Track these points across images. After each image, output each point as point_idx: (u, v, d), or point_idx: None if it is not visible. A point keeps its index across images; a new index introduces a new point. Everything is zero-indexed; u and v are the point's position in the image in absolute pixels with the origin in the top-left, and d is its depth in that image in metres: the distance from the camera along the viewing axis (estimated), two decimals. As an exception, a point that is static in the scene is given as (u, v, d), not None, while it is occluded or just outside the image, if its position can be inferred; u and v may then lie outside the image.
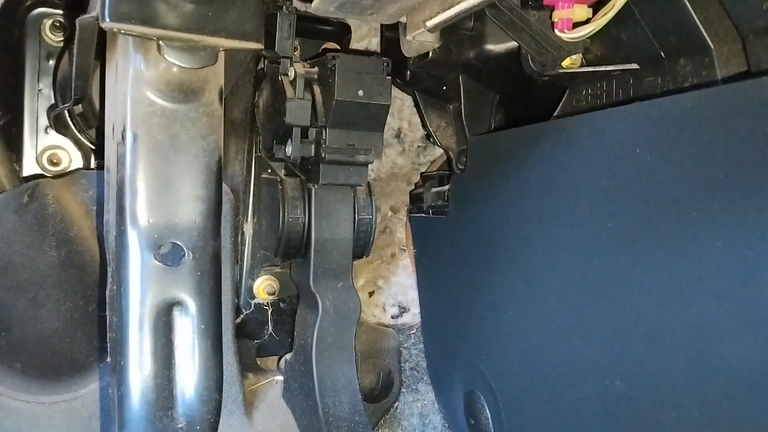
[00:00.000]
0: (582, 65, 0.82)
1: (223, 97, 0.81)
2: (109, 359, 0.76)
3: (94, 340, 1.06)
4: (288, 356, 1.17)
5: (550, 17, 0.72)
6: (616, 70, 0.79)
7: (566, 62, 0.80)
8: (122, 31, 0.65)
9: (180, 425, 0.72)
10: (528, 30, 0.75)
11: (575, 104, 0.87)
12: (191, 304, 0.74)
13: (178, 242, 0.75)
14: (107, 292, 0.79)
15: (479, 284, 1.03)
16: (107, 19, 0.64)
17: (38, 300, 1.00)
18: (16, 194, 0.96)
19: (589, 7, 0.69)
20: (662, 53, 0.75)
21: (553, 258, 0.85)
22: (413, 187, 1.42)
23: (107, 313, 0.78)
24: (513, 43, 0.89)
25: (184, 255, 0.75)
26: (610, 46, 0.79)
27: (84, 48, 0.83)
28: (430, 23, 0.70)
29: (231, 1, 0.69)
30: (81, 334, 1.05)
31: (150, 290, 0.73)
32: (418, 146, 1.43)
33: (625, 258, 0.73)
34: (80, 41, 0.81)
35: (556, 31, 0.71)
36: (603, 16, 0.66)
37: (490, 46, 0.91)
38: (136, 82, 0.73)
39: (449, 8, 0.67)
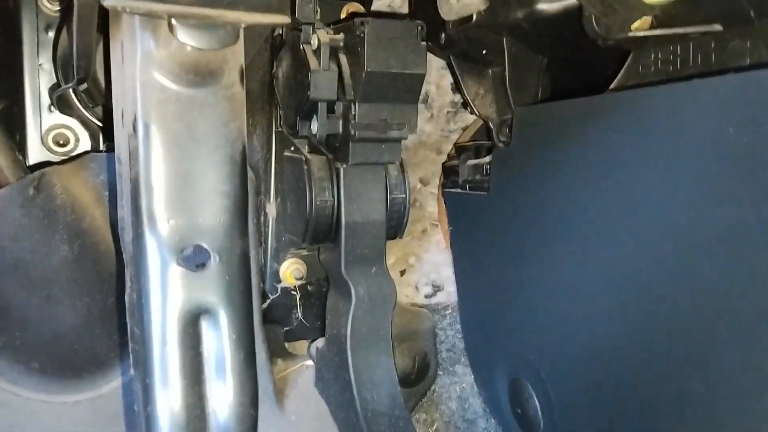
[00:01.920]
0: (652, 26, 0.71)
1: (244, 76, 0.72)
2: (132, 373, 0.69)
3: (114, 335, 1.00)
4: (319, 344, 1.10)
5: (627, -26, 0.61)
6: (694, 33, 0.69)
7: (635, 24, 0.70)
8: (127, 10, 0.56)
9: (214, 448, 0.66)
10: (595, -12, 0.65)
11: (642, 71, 0.76)
12: (220, 313, 0.67)
13: (202, 244, 0.67)
14: (126, 297, 0.72)
15: (526, 268, 0.95)
16: None
17: (53, 297, 0.94)
18: (20, 187, 0.88)
19: (677, -39, 0.58)
20: (752, 12, 0.64)
21: (614, 247, 0.77)
22: (443, 156, 1.32)
23: (127, 321, 0.71)
24: (570, 1, 0.78)
25: (210, 258, 0.67)
26: (688, 3, 0.68)
27: (85, 25, 0.73)
28: (483, -15, 0.60)
29: (251, -33, 0.59)
30: (100, 330, 0.98)
31: (174, 299, 0.65)
32: (448, 112, 1.33)
33: (709, 255, 0.65)
34: (80, 19, 0.71)
35: (636, -9, 0.60)
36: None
37: (543, 6, 0.80)
38: (146, 64, 0.64)
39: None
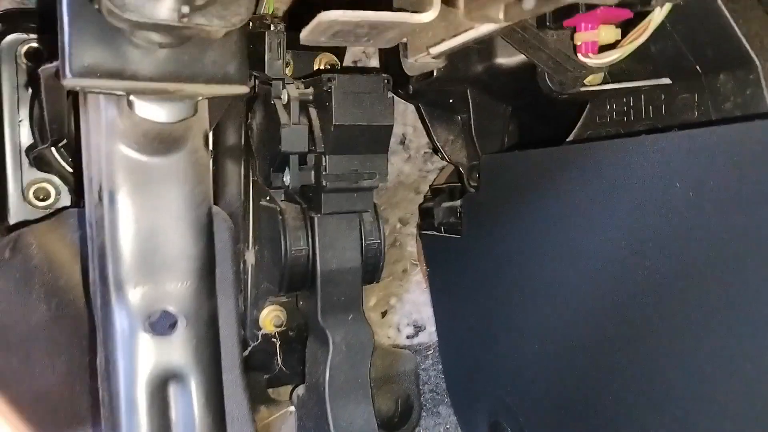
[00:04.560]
0: (605, 79, 0.74)
1: (209, 139, 0.73)
2: (104, 440, 0.70)
3: (95, 391, 1.00)
4: (300, 391, 1.10)
5: (571, 38, 0.63)
6: (644, 86, 0.71)
7: (588, 78, 0.72)
8: (87, 89, 0.57)
9: None
10: (545, 50, 0.67)
11: (598, 121, 0.78)
12: (189, 376, 0.68)
13: (169, 308, 0.68)
14: (97, 362, 0.73)
15: (499, 312, 0.96)
16: (68, 75, 0.56)
17: (31, 357, 0.94)
18: (-4, 250, 0.89)
19: (617, 27, 0.60)
20: (698, 68, 0.66)
21: (574, 293, 0.78)
22: (421, 196, 1.34)
23: (99, 386, 0.72)
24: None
25: (177, 322, 0.68)
26: (637, 59, 0.70)
27: (53, 95, 0.75)
28: (434, 50, 0.62)
29: (208, 41, 0.61)
30: (80, 387, 0.98)
31: (141, 365, 0.66)
32: (425, 152, 1.35)
33: (660, 299, 0.66)
34: (47, 90, 0.73)
35: (579, 55, 0.62)
36: (634, 39, 0.58)
37: (501, 60, 0.82)
38: (110, 135, 0.66)
39: (455, 36, 0.58)
